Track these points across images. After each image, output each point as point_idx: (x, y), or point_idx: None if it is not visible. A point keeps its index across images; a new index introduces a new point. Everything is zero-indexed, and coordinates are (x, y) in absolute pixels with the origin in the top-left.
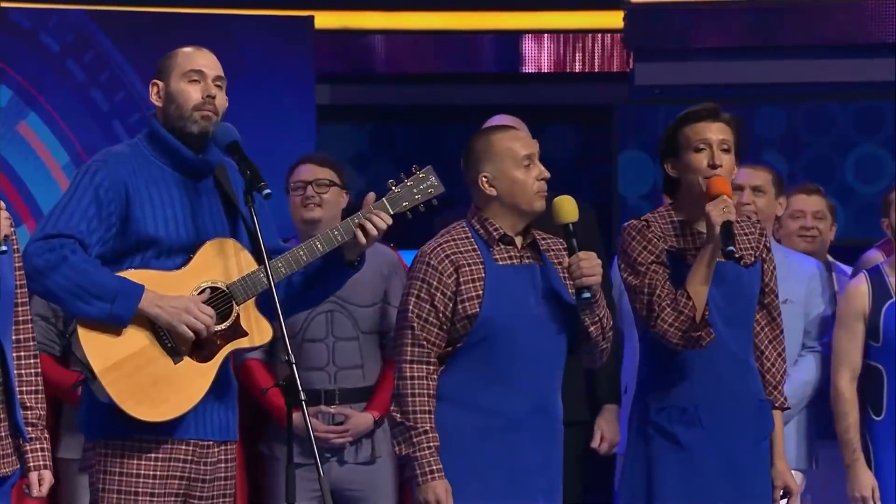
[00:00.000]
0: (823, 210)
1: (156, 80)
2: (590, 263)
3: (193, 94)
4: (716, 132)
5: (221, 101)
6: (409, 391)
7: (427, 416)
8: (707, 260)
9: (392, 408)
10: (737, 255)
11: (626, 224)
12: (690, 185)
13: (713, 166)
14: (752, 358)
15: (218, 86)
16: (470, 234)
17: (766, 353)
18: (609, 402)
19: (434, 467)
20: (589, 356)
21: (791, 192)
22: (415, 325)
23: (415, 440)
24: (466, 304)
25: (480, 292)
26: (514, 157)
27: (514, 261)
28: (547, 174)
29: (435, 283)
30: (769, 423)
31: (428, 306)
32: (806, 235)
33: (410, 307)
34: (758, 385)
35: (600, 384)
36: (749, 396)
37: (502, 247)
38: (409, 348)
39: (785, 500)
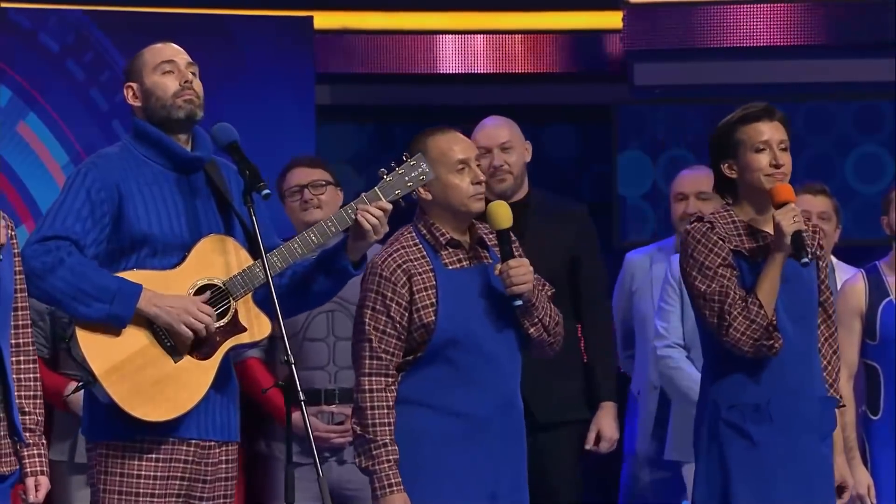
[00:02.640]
0: (829, 211)
1: (129, 84)
2: (520, 271)
3: (170, 83)
4: (774, 132)
5: (198, 85)
6: (368, 404)
7: (386, 428)
8: (777, 267)
9: (353, 421)
10: (809, 263)
11: (688, 227)
12: (752, 185)
13: (776, 166)
14: (816, 355)
15: (192, 72)
16: (418, 241)
17: (823, 350)
18: (606, 399)
19: (392, 481)
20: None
21: (795, 192)
22: (372, 337)
23: (373, 453)
24: (422, 312)
25: (434, 300)
26: (446, 162)
27: (464, 263)
28: (482, 177)
29: (389, 293)
30: (833, 421)
31: (384, 318)
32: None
33: (367, 320)
34: (821, 382)
35: (597, 382)
36: (814, 393)
37: (450, 250)
38: (367, 361)
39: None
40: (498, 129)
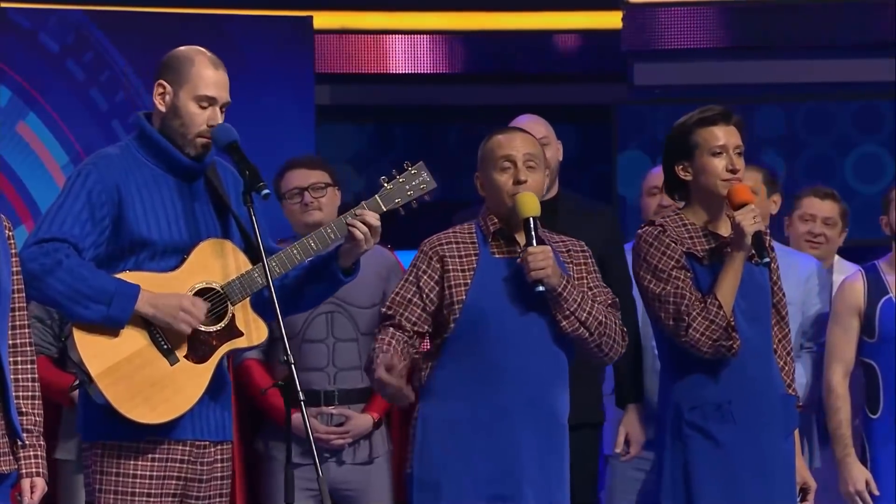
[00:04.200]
0: (835, 217)
1: (163, 81)
2: (538, 257)
3: (200, 120)
4: (730, 136)
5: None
6: (374, 346)
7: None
8: (737, 268)
9: (367, 375)
10: (769, 263)
11: (640, 231)
12: (706, 189)
13: (732, 171)
14: (772, 354)
15: (222, 112)
16: (474, 230)
17: (778, 351)
18: (632, 401)
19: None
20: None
21: (804, 193)
22: (396, 303)
23: (373, 366)
24: (454, 290)
25: (469, 280)
26: (492, 159)
27: (512, 255)
28: (523, 178)
29: (424, 266)
30: (795, 419)
31: (414, 288)
32: (813, 241)
33: (397, 289)
34: (780, 380)
35: (623, 383)
36: (774, 392)
37: (501, 241)
38: (385, 321)
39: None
40: (535, 125)
